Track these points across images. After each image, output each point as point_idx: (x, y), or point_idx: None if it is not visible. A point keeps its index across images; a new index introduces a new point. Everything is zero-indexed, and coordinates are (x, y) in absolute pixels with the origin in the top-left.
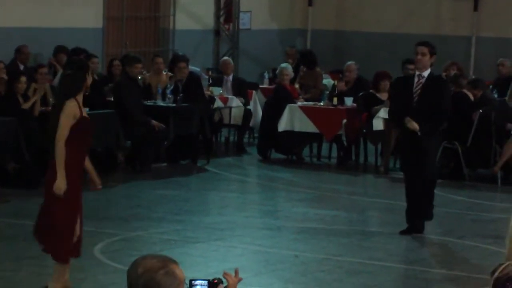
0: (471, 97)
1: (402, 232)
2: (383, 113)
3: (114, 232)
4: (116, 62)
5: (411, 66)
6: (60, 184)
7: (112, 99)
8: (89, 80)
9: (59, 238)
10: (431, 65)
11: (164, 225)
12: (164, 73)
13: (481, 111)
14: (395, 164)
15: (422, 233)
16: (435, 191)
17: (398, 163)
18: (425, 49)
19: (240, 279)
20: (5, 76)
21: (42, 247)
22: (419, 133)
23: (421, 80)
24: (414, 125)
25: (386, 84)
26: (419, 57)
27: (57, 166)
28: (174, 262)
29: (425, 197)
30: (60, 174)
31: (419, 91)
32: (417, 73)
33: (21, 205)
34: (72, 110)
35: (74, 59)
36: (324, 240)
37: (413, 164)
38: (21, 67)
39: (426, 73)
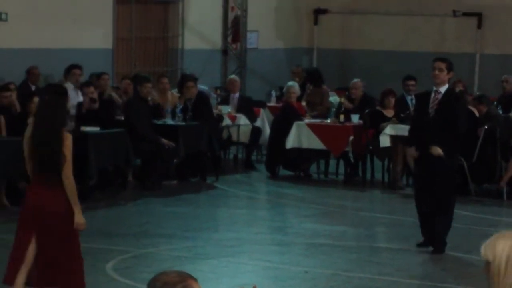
0: (476, 113)
1: (419, 245)
2: (389, 130)
3: (125, 249)
4: (127, 81)
5: (411, 82)
6: (82, 219)
7: (122, 117)
8: (69, 106)
9: (79, 267)
10: (448, 81)
11: (174, 242)
12: (172, 92)
13: (486, 127)
14: (407, 180)
15: (442, 253)
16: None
17: (405, 179)
18: (442, 65)
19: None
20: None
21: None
22: (443, 157)
23: (437, 96)
24: (438, 151)
25: (390, 101)
26: (436, 72)
27: (73, 201)
28: (193, 278)
29: (440, 223)
30: (78, 209)
31: (435, 107)
32: (434, 89)
33: None
34: (71, 143)
35: (52, 84)
36: (333, 256)
37: (428, 184)
38: (33, 87)
39: (443, 89)
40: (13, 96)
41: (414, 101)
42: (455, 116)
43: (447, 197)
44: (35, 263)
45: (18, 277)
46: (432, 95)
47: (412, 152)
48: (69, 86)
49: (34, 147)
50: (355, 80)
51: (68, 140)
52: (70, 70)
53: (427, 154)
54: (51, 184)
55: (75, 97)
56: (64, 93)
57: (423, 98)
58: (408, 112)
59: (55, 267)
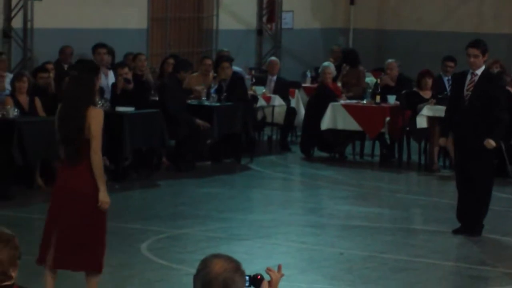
0: None
1: (455, 231)
2: (426, 111)
3: (160, 229)
4: (171, 60)
5: (451, 63)
6: (106, 198)
7: (157, 98)
8: (98, 83)
9: (100, 250)
10: (484, 62)
11: (209, 223)
12: (212, 73)
13: None
14: (444, 162)
15: (479, 235)
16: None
17: (442, 161)
18: (476, 51)
19: (282, 275)
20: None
21: (75, 269)
22: (501, 144)
23: (474, 78)
24: (492, 144)
25: (427, 82)
26: (472, 59)
27: (98, 179)
28: (239, 262)
29: (478, 206)
30: (103, 187)
31: (471, 89)
32: (470, 71)
33: None
34: (102, 118)
35: (83, 60)
36: (369, 238)
37: (467, 166)
38: (65, 67)
39: (479, 71)
40: (51, 76)
41: (450, 82)
42: (495, 96)
43: (484, 180)
44: (54, 243)
45: (49, 258)
46: (469, 77)
47: (443, 142)
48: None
49: (59, 124)
50: (390, 60)
51: (98, 116)
52: (95, 49)
53: (464, 138)
54: (75, 162)
55: (102, 79)
56: (93, 69)
57: (459, 79)
58: (445, 93)
59: (74, 248)
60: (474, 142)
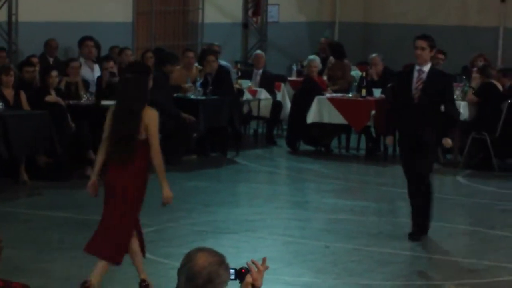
0: (500, 87)
1: (411, 236)
2: None
3: (146, 223)
4: (149, 54)
5: (441, 56)
6: (170, 193)
7: None
8: (150, 84)
9: (124, 243)
10: (431, 59)
11: (195, 217)
12: (196, 66)
13: (510, 101)
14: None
15: (426, 234)
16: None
17: None
18: (424, 43)
19: (267, 267)
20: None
21: (97, 255)
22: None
23: (421, 75)
24: (450, 142)
25: None
26: (419, 52)
27: (161, 176)
28: (223, 255)
29: (427, 205)
30: (166, 184)
31: (420, 86)
32: (417, 67)
33: (53, 198)
34: (157, 119)
35: (136, 62)
36: (354, 231)
37: (413, 163)
38: (51, 60)
39: (426, 68)
40: (36, 70)
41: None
42: (447, 94)
43: (428, 178)
44: (97, 231)
45: (132, 245)
46: (415, 74)
47: (390, 141)
48: (82, 61)
49: (114, 124)
50: (373, 55)
51: (155, 117)
52: (82, 42)
53: (413, 135)
54: (126, 162)
55: (88, 72)
56: (147, 71)
57: (404, 77)
58: None
59: (105, 237)
60: (423, 140)
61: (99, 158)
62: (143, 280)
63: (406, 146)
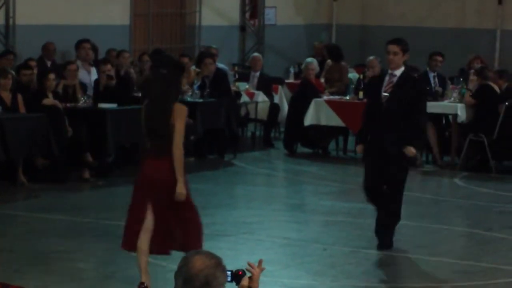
0: (497, 89)
1: (379, 247)
2: None
3: None
4: (145, 58)
5: (439, 58)
6: (183, 190)
7: (140, 94)
8: (185, 81)
9: (198, 231)
10: (404, 63)
11: None
12: (193, 69)
13: (507, 103)
14: (427, 158)
15: (391, 246)
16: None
17: (424, 156)
18: (396, 48)
19: (263, 269)
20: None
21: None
22: (416, 155)
23: (392, 79)
24: (412, 151)
25: None
26: (391, 56)
27: (178, 172)
28: (220, 257)
29: (392, 216)
30: (182, 180)
31: (389, 90)
32: (389, 71)
33: (50, 200)
34: (186, 115)
35: (169, 59)
36: (352, 233)
37: (380, 173)
38: (48, 63)
39: (398, 72)
40: (34, 73)
41: (436, 79)
42: (416, 99)
43: (398, 189)
44: (154, 231)
45: (141, 243)
46: (387, 78)
47: (360, 150)
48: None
49: (146, 119)
50: (371, 57)
51: (183, 113)
52: (79, 44)
53: (381, 143)
54: (160, 154)
55: (85, 75)
56: (179, 68)
57: (376, 81)
58: (428, 88)
59: (170, 234)
60: (391, 148)
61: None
62: (142, 283)
63: (371, 151)
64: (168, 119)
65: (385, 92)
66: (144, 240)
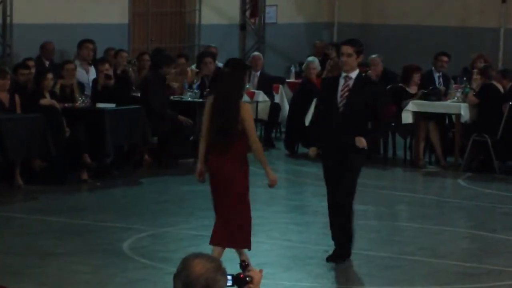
0: (501, 89)
1: (329, 258)
2: (412, 106)
3: (142, 228)
4: (146, 57)
5: (445, 58)
6: (273, 176)
7: (139, 94)
8: (246, 80)
9: (248, 228)
10: (359, 65)
11: (192, 221)
12: (191, 68)
13: (511, 103)
14: (430, 158)
15: (349, 258)
16: None
17: (428, 157)
18: (350, 49)
19: (261, 270)
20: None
21: (230, 247)
22: (366, 148)
23: (348, 82)
24: (363, 142)
25: (415, 77)
26: (345, 58)
27: (263, 162)
28: (220, 260)
29: (347, 224)
30: (268, 169)
31: (346, 94)
32: (343, 74)
33: (48, 202)
34: (250, 111)
35: (234, 59)
36: (354, 235)
37: (337, 180)
38: (46, 63)
39: (353, 74)
40: (32, 73)
41: (441, 79)
42: (374, 102)
43: (349, 194)
44: (216, 223)
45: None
46: (342, 81)
47: (313, 152)
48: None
49: (212, 116)
50: (373, 56)
51: (249, 109)
52: (82, 44)
53: (336, 148)
54: (227, 150)
55: (83, 75)
56: (243, 67)
57: (330, 84)
58: (431, 88)
59: (228, 226)
60: (347, 153)
61: (202, 147)
62: (242, 261)
63: (328, 157)
64: (236, 116)
65: (341, 96)
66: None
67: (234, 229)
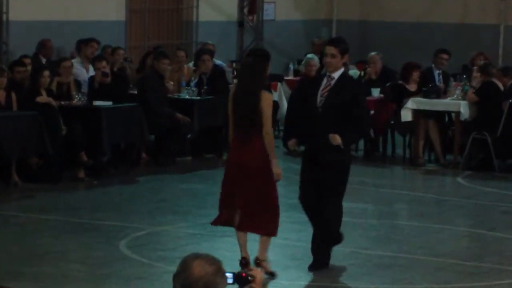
0: (501, 86)
1: (311, 267)
2: (411, 104)
3: (139, 226)
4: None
5: (445, 56)
6: (278, 169)
7: (136, 92)
8: (268, 70)
9: (275, 215)
10: (344, 65)
11: (190, 219)
12: (188, 66)
13: (511, 100)
14: (429, 156)
15: (327, 266)
16: None
17: (427, 155)
18: (334, 50)
19: (262, 269)
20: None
21: (255, 232)
22: (342, 146)
23: (330, 82)
24: (338, 140)
25: (414, 75)
26: (329, 59)
27: (271, 153)
28: (220, 261)
29: (329, 230)
30: (275, 161)
31: (326, 94)
32: (327, 74)
33: (44, 200)
34: (272, 102)
35: (257, 49)
36: (352, 234)
37: (311, 180)
38: (43, 61)
39: (337, 75)
40: (28, 71)
41: (441, 76)
42: (354, 102)
43: (336, 199)
44: (240, 210)
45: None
46: (325, 80)
47: (291, 144)
48: (76, 61)
49: (235, 106)
50: (372, 53)
51: (269, 100)
52: (88, 42)
53: (316, 148)
54: (249, 139)
55: (84, 73)
56: (265, 57)
57: (313, 83)
58: (431, 85)
59: (253, 214)
60: (327, 154)
61: (231, 134)
62: (243, 258)
63: (307, 158)
64: (257, 106)
65: (321, 95)
66: (236, 219)
67: (262, 216)
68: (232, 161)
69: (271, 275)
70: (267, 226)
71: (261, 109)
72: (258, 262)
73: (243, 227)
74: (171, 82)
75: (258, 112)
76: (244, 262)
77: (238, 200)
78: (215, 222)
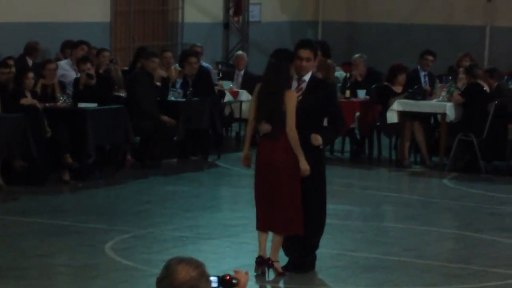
0: (487, 88)
1: (285, 268)
2: (397, 105)
3: (125, 229)
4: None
5: (430, 58)
6: (306, 166)
7: (121, 94)
8: (292, 70)
9: (298, 213)
10: (331, 66)
11: (175, 222)
12: (174, 67)
13: (496, 102)
14: (415, 158)
15: (313, 269)
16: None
17: (413, 156)
18: (310, 53)
19: (247, 272)
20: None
21: (281, 233)
22: (321, 147)
23: (301, 85)
24: (319, 140)
25: (403, 77)
26: (304, 63)
27: (297, 151)
28: (204, 265)
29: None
30: (302, 157)
31: (300, 97)
32: (296, 76)
33: (29, 203)
34: (296, 100)
35: (280, 49)
36: (339, 236)
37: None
38: (30, 62)
39: (307, 77)
40: (12, 72)
41: (427, 78)
42: (329, 104)
43: (318, 201)
44: (269, 209)
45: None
46: (294, 84)
47: (266, 127)
48: (67, 63)
49: (260, 104)
50: (356, 56)
51: (293, 98)
52: (78, 45)
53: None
54: (274, 136)
55: (72, 75)
56: (290, 58)
57: None
58: (416, 87)
59: (279, 213)
60: (307, 155)
61: (248, 135)
62: (259, 257)
63: None
64: (281, 104)
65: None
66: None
67: (287, 215)
68: (261, 160)
69: (281, 275)
70: (290, 226)
71: (285, 106)
72: (271, 263)
73: (274, 228)
74: (158, 83)
75: (283, 111)
76: (259, 261)
77: (269, 199)
78: (259, 228)
